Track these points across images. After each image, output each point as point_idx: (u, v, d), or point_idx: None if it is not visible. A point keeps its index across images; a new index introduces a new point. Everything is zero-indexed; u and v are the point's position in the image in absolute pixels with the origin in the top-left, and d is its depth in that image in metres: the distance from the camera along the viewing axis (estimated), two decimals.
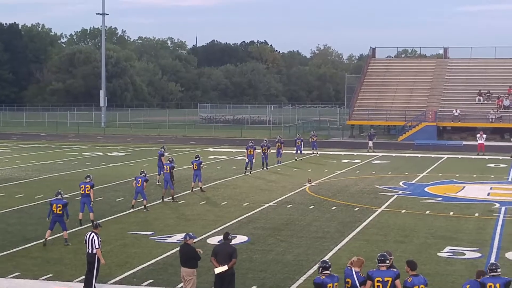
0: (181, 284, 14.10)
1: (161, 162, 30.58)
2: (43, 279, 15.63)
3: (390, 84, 67.86)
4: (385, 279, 11.15)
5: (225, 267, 13.17)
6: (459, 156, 45.69)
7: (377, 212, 24.09)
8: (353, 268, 11.41)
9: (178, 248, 14.29)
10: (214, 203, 25.85)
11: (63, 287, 15.12)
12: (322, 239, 19.79)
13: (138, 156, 44.29)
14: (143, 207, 24.09)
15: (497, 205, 25.87)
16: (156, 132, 67.55)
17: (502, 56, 69.46)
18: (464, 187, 30.83)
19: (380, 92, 66.93)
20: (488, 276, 11.11)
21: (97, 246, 14.60)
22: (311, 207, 24.98)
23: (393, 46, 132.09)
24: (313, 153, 45.26)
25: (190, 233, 14.24)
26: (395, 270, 11.41)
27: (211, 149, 49.65)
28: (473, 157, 45.25)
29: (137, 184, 23.88)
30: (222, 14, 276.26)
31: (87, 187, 21.58)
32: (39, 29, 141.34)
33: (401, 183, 31.76)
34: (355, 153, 46.58)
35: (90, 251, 14.67)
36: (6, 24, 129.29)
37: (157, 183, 30.24)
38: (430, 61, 74.03)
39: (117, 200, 26.40)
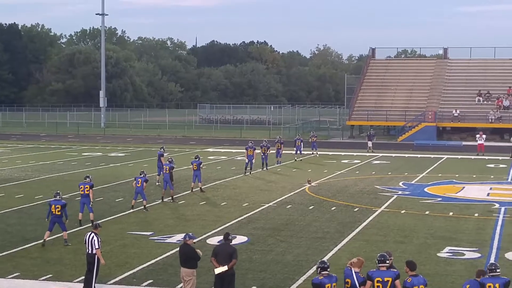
0: (181, 285, 14.10)
1: (161, 163, 30.60)
2: (42, 280, 15.63)
3: (390, 84, 67.87)
4: (385, 279, 11.16)
5: (225, 268, 13.18)
6: (459, 157, 45.70)
7: (376, 213, 24.10)
8: (352, 269, 11.41)
9: (178, 249, 14.29)
10: (213, 204, 25.85)
11: (62, 287, 15.12)
12: (321, 239, 19.79)
13: (137, 156, 44.29)
14: (142, 207, 24.09)
15: (497, 205, 25.87)
16: (156, 133, 67.55)
17: (501, 57, 69.56)
18: (463, 187, 30.84)
19: (380, 92, 66.95)
20: (487, 276, 11.12)
21: (96, 247, 14.60)
22: (310, 208, 24.98)
23: (393, 46, 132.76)
24: (312, 153, 45.28)
25: (190, 233, 14.25)
26: (395, 270, 11.42)
27: (210, 150, 49.65)
28: (472, 157, 45.25)
29: (137, 185, 23.89)
30: (221, 14, 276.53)
31: (87, 187, 21.59)
32: (39, 29, 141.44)
33: (400, 184, 31.76)
34: (354, 154, 46.59)
35: (89, 252, 14.67)
36: (5, 24, 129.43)
37: (157, 184, 30.24)
38: (429, 62, 74.09)
39: (116, 200, 26.40)
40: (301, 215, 23.57)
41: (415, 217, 23.26)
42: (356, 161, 42.04)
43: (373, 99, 66.27)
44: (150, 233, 20.42)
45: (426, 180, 33.07)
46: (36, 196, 26.94)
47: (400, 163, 41.49)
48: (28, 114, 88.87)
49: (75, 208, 22.22)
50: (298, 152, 42.56)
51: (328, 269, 11.32)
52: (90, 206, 21.53)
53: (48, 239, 18.81)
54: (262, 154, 36.94)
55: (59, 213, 18.71)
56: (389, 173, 35.84)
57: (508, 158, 43.98)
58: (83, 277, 15.00)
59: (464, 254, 18.14)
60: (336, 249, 18.66)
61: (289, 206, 25.34)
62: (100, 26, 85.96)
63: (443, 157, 44.95)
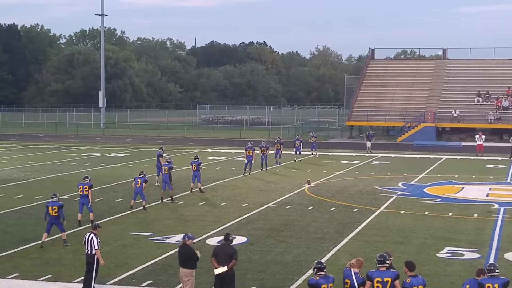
0: (180, 285, 14.10)
1: (160, 163, 30.61)
2: (42, 280, 15.64)
3: (389, 85, 67.90)
4: (385, 279, 11.17)
5: (225, 268, 13.19)
6: (458, 157, 45.71)
7: (376, 213, 24.10)
8: (352, 269, 11.42)
9: (177, 249, 14.30)
10: (213, 204, 25.85)
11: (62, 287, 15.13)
12: (321, 239, 19.80)
13: (137, 157, 44.29)
14: (142, 207, 24.09)
15: (496, 205, 25.89)
16: (155, 133, 67.56)
17: (501, 57, 69.54)
18: (463, 188, 30.84)
19: (379, 93, 66.97)
20: (486, 276, 11.13)
21: (96, 247, 14.60)
22: (310, 208, 24.99)
23: (392, 47, 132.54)
24: (312, 154, 45.29)
25: (189, 233, 14.25)
26: (395, 270, 11.43)
27: (210, 150, 49.65)
28: (472, 158, 45.27)
29: (136, 185, 23.88)
30: (221, 15, 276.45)
31: (85, 187, 21.59)
32: (38, 29, 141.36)
33: (400, 184, 31.77)
34: (354, 154, 46.60)
35: (89, 252, 14.68)
36: (5, 25, 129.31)
37: (156, 184, 30.25)
38: (429, 62, 74.09)
39: (116, 201, 26.40)
40: (301, 215, 23.57)
41: (415, 218, 23.27)
42: (355, 161, 42.05)
43: (373, 99, 66.29)
44: (150, 233, 20.42)
45: (426, 181, 33.08)
46: (35, 196, 26.93)
47: (399, 163, 41.50)
48: (28, 114, 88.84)
49: (75, 209, 22.22)
50: (298, 152, 42.56)
51: (325, 270, 11.31)
52: (90, 206, 21.53)
53: (47, 240, 18.81)
54: (261, 154, 36.95)
55: (56, 214, 18.70)
56: (389, 174, 35.85)
57: (507, 158, 43.99)
58: (82, 278, 15.00)
59: (463, 255, 18.15)
60: (335, 249, 18.67)
61: (289, 206, 25.35)
62: (100, 27, 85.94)
63: (443, 158, 44.97)
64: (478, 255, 18.08)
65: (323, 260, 12.85)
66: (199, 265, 14.03)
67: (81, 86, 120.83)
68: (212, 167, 37.80)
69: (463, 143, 55.29)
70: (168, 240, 19.47)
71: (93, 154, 45.89)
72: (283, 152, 40.37)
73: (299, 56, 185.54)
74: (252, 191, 29.17)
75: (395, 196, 27.98)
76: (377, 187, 30.69)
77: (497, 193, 29.30)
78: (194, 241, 14.18)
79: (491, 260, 17.19)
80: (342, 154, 47.10)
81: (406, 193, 29.07)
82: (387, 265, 11.39)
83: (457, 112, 60.75)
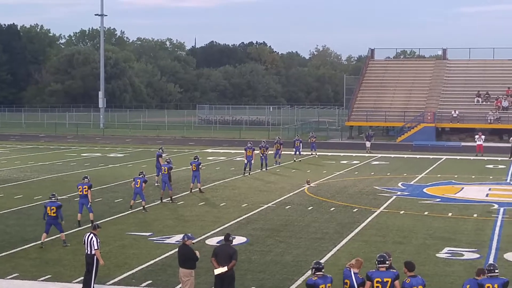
0: (180, 285, 14.10)
1: (159, 163, 30.59)
2: (41, 280, 15.63)
3: (389, 85, 67.89)
4: (385, 279, 11.17)
5: (225, 268, 13.18)
6: (458, 157, 45.71)
7: (376, 213, 24.10)
8: (352, 269, 11.42)
9: (177, 249, 14.29)
10: (213, 204, 25.85)
11: None
12: (321, 240, 19.80)
13: (136, 157, 44.28)
14: (141, 208, 24.09)
15: (496, 206, 25.88)
16: (155, 133, 67.57)
17: (500, 57, 69.52)
18: (462, 188, 30.84)
19: (379, 93, 66.97)
20: (486, 276, 11.13)
21: (95, 247, 14.60)
22: (310, 208, 24.99)
23: (392, 47, 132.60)
24: (312, 154, 45.28)
25: (189, 234, 14.25)
26: (395, 271, 11.43)
27: (209, 150, 49.64)
28: (471, 158, 45.28)
29: (136, 185, 23.88)
30: (221, 15, 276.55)
31: (85, 187, 21.58)
32: (38, 30, 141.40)
33: (399, 184, 31.77)
34: (353, 154, 46.60)
35: (89, 252, 14.67)
36: (4, 25, 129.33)
37: (156, 184, 30.24)
38: (428, 62, 74.09)
39: (115, 201, 26.39)
40: (300, 215, 23.57)
41: (414, 218, 23.26)
42: (355, 161, 42.05)
43: (372, 99, 66.28)
44: (149, 233, 20.42)
45: (425, 181, 33.08)
46: (35, 196, 26.91)
47: (399, 163, 41.50)
48: (27, 114, 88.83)
49: (75, 209, 22.22)
50: (297, 152, 42.56)
51: (323, 270, 11.31)
52: (89, 206, 21.52)
53: (46, 240, 18.81)
54: (261, 154, 36.95)
55: (55, 214, 18.68)
56: (388, 174, 35.85)
57: (507, 158, 43.99)
58: (82, 278, 15.00)
59: (463, 255, 18.14)
60: (335, 249, 18.66)
61: (288, 206, 25.35)
62: (99, 27, 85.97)
63: (442, 158, 44.97)
64: (478, 255, 18.08)
65: (322, 261, 12.87)
66: (198, 265, 14.03)
67: (81, 86, 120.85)
68: (212, 167, 37.80)
69: (463, 143, 55.30)
70: (167, 240, 19.46)
71: (92, 154, 45.88)
72: (282, 152, 40.37)
73: (299, 56, 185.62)
74: (252, 191, 29.17)
75: (394, 196, 27.98)
76: (376, 187, 30.69)
77: (497, 193, 29.30)
78: (193, 241, 14.17)
79: (491, 260, 17.19)
80: (342, 154, 47.09)
81: (406, 193, 29.07)
82: (387, 265, 11.39)
83: (457, 112, 60.76)
